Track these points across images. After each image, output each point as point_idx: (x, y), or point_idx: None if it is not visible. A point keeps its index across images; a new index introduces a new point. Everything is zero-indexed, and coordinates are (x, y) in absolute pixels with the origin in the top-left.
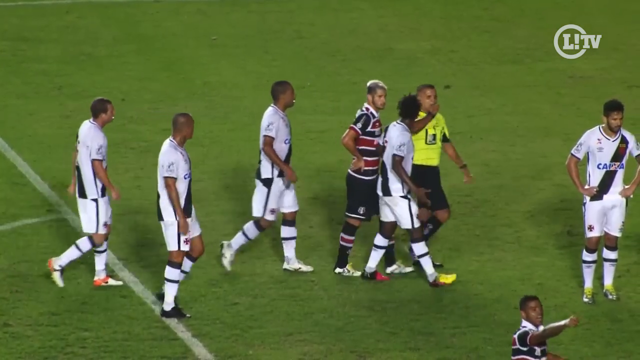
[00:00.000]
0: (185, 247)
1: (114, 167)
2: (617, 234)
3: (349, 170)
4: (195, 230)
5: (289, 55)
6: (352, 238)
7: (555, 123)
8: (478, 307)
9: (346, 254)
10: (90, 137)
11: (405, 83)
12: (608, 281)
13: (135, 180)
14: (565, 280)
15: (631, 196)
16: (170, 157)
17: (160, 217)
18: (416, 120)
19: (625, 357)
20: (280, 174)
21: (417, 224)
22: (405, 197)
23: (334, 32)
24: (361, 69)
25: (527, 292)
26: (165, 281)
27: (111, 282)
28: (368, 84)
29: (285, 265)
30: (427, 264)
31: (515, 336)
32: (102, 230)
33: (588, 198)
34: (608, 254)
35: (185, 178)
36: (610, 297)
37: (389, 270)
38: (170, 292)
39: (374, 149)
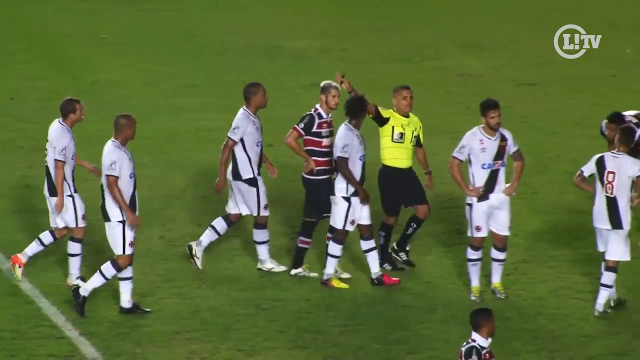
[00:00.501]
0: (129, 250)
1: (2, 166)
2: (507, 232)
3: (302, 173)
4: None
5: (179, 53)
6: (309, 240)
7: (445, 121)
8: (366, 305)
9: (302, 255)
10: (56, 138)
11: (296, 81)
12: (496, 279)
13: (23, 179)
14: (452, 279)
15: (514, 193)
16: (112, 156)
17: (107, 218)
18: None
19: (513, 356)
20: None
21: (348, 228)
22: (347, 198)
23: (225, 30)
24: (252, 68)
25: (415, 289)
26: (119, 281)
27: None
28: (322, 84)
29: (260, 265)
30: (331, 265)
31: (463, 350)
32: (81, 224)
33: (475, 199)
34: (497, 254)
35: (130, 177)
36: (498, 295)
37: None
38: (125, 290)
39: (322, 149)
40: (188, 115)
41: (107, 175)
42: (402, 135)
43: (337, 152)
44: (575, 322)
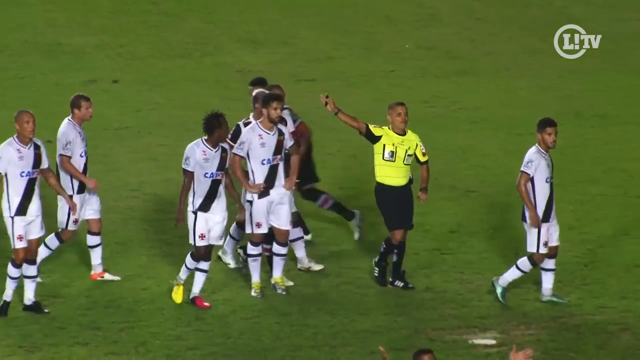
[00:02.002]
0: (19, 244)
1: None
2: (288, 227)
3: None
4: (35, 233)
5: None
6: (268, 247)
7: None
8: (146, 301)
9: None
10: (60, 133)
11: (74, 78)
12: (277, 274)
13: None
14: (233, 275)
15: (294, 188)
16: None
17: None
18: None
19: (294, 351)
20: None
21: (197, 243)
22: (194, 212)
23: (1, 27)
24: (29, 64)
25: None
26: (7, 278)
27: (107, 276)
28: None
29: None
30: (184, 272)
31: None
32: (71, 227)
33: (255, 196)
34: (279, 249)
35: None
36: (279, 290)
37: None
38: (11, 287)
39: None
40: None
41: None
42: (392, 153)
43: (182, 165)
44: (356, 317)
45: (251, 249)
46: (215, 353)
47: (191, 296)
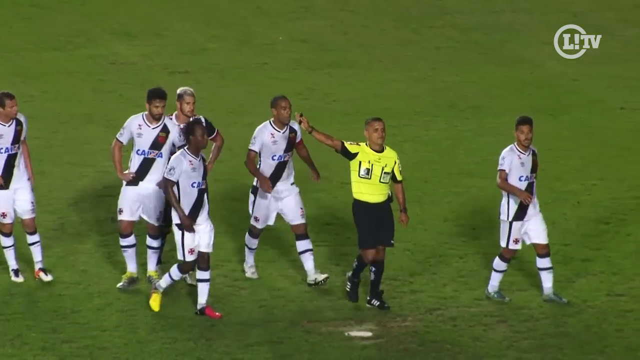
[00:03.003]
0: None
1: None
2: (156, 222)
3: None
4: None
5: None
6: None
7: (98, 109)
8: (21, 294)
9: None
10: None
11: None
12: (152, 267)
13: None
14: (108, 267)
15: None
16: None
17: None
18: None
19: (170, 343)
20: None
21: (187, 258)
22: (178, 225)
23: None
24: None
25: (71, 278)
26: None
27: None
28: (177, 91)
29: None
30: (165, 281)
31: None
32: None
33: (124, 183)
34: (151, 242)
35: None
36: (154, 283)
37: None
38: None
39: None
40: None
41: None
42: (368, 171)
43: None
44: (232, 310)
45: (122, 240)
46: (90, 346)
47: (199, 307)
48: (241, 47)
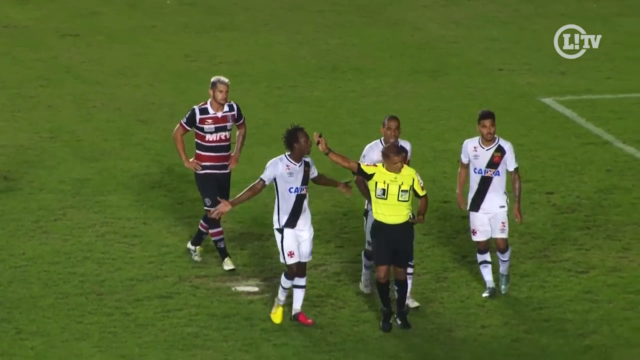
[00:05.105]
0: None
1: None
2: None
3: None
4: None
5: None
6: (206, 225)
7: None
8: None
9: (201, 237)
10: None
11: None
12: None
13: None
14: (1, 224)
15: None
16: None
17: None
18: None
19: (62, 298)
20: None
21: (288, 261)
22: (280, 229)
23: None
24: None
25: None
26: None
27: None
28: (212, 79)
29: None
30: (281, 293)
31: None
32: None
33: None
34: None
35: None
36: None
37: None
38: None
39: (205, 144)
40: None
41: None
42: (384, 191)
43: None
44: (122, 265)
45: None
46: None
47: (293, 313)
48: (130, 10)
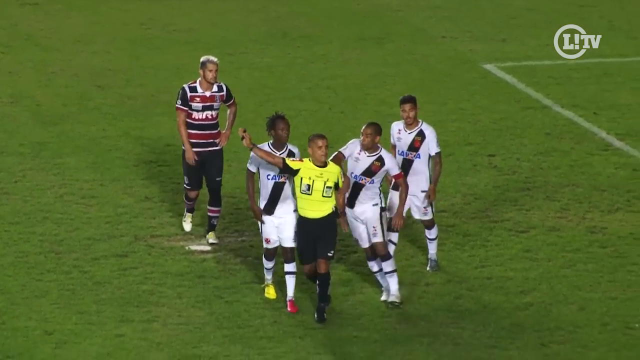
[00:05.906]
0: None
1: None
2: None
3: None
4: None
5: None
6: (190, 203)
7: None
8: None
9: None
10: None
11: None
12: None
13: None
14: None
15: None
16: None
17: None
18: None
19: (21, 257)
20: None
21: (264, 245)
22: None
23: None
24: None
25: None
26: None
27: None
28: (201, 59)
29: None
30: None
31: None
32: None
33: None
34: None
35: None
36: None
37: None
38: None
39: (193, 122)
40: None
41: None
42: (309, 187)
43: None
44: (80, 225)
45: None
46: None
47: (288, 298)
48: None
